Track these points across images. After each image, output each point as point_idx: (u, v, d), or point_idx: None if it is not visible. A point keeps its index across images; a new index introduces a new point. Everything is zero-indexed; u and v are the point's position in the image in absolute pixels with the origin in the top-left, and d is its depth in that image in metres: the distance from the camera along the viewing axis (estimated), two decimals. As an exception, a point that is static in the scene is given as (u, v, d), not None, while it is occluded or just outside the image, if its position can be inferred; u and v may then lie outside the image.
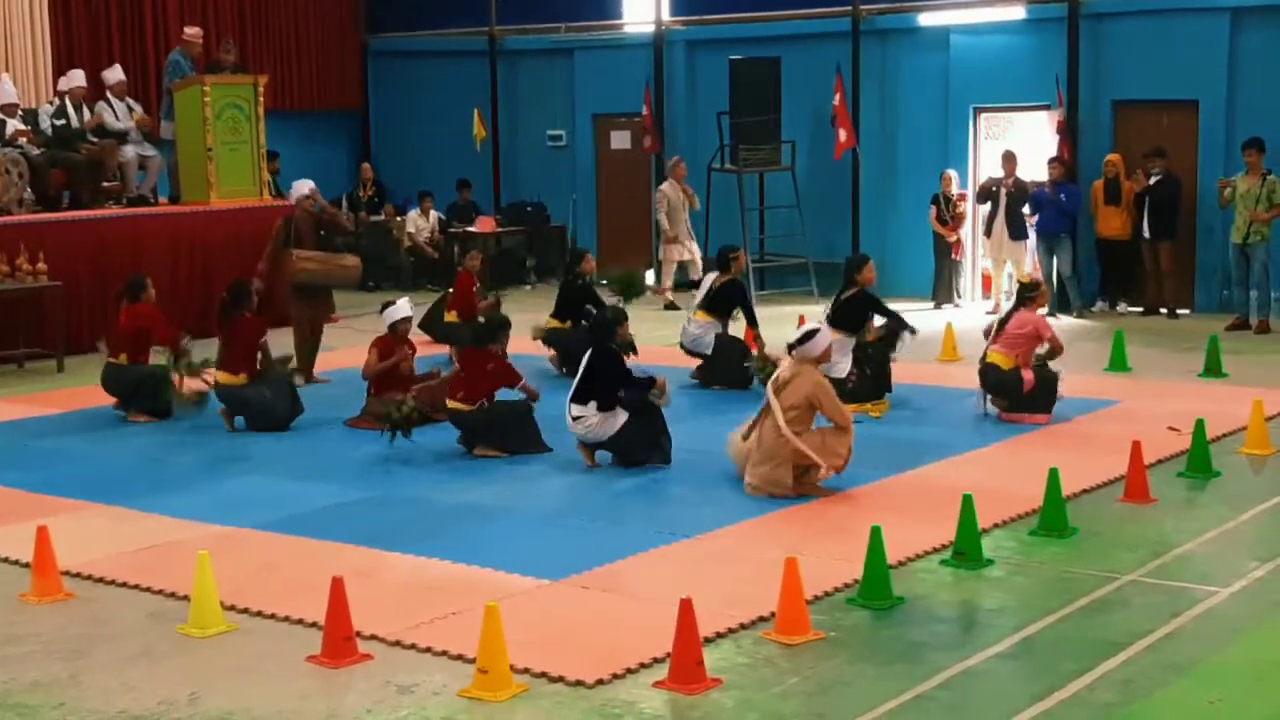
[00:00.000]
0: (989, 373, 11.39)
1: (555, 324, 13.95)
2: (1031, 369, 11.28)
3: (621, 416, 9.95)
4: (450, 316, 14.68)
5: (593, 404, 9.94)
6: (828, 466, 9.09)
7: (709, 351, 13.08)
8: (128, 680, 6.39)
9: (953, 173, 18.21)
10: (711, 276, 13.47)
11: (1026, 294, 11.65)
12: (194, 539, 8.36)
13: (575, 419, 10.00)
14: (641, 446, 10.03)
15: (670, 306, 17.68)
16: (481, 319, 12.15)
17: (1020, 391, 11.27)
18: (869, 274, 12.15)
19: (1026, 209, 17.27)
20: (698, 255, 18.29)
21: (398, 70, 23.37)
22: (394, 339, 11.63)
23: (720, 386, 12.95)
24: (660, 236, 18.58)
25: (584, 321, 13.54)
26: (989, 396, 11.49)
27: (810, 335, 9.33)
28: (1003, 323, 11.52)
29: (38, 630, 7.06)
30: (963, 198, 18.28)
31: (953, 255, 18.21)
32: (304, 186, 13.82)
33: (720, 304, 13.22)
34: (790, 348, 9.40)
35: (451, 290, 14.90)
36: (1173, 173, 16.75)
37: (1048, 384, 11.30)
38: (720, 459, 9.91)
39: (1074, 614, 7.05)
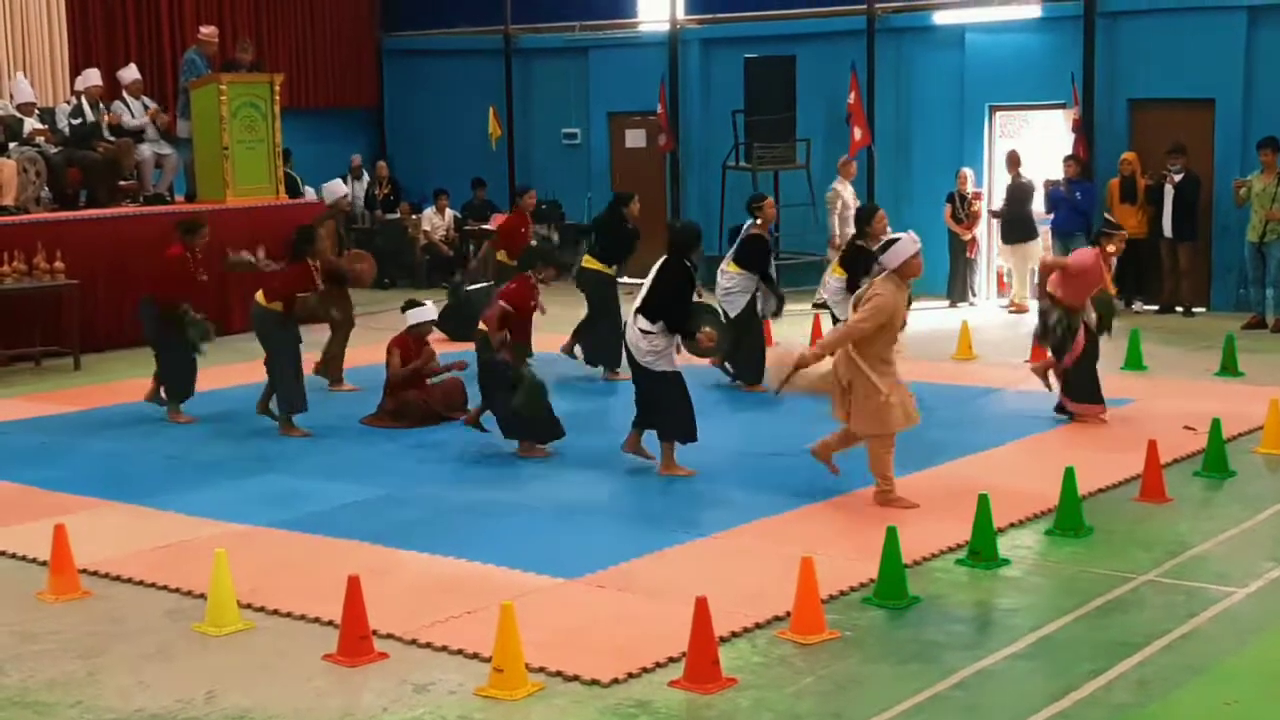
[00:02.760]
0: None
1: (593, 263, 13.51)
2: (1076, 354, 11.03)
3: (672, 361, 9.52)
4: (501, 257, 14.65)
5: (661, 322, 9.47)
6: (820, 383, 8.83)
7: (735, 311, 12.49)
8: (144, 678, 6.41)
9: (968, 171, 18.17)
10: (747, 224, 12.90)
11: (1103, 230, 11.36)
12: (210, 537, 8.40)
13: (643, 333, 9.48)
14: (664, 411, 9.62)
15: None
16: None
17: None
18: (879, 225, 11.69)
19: (1040, 207, 17.24)
20: None
21: (413, 69, 23.40)
22: (414, 339, 11.63)
23: (734, 379, 12.72)
24: (827, 237, 17.58)
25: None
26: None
27: (889, 244, 8.78)
28: None
29: (55, 628, 7.08)
30: (978, 196, 18.25)
31: (967, 254, 18.19)
32: (340, 189, 13.71)
33: (748, 257, 12.66)
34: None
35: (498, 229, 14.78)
36: (1193, 171, 16.71)
37: (1080, 369, 11.05)
38: (736, 458, 9.90)
39: (1090, 614, 7.04)
